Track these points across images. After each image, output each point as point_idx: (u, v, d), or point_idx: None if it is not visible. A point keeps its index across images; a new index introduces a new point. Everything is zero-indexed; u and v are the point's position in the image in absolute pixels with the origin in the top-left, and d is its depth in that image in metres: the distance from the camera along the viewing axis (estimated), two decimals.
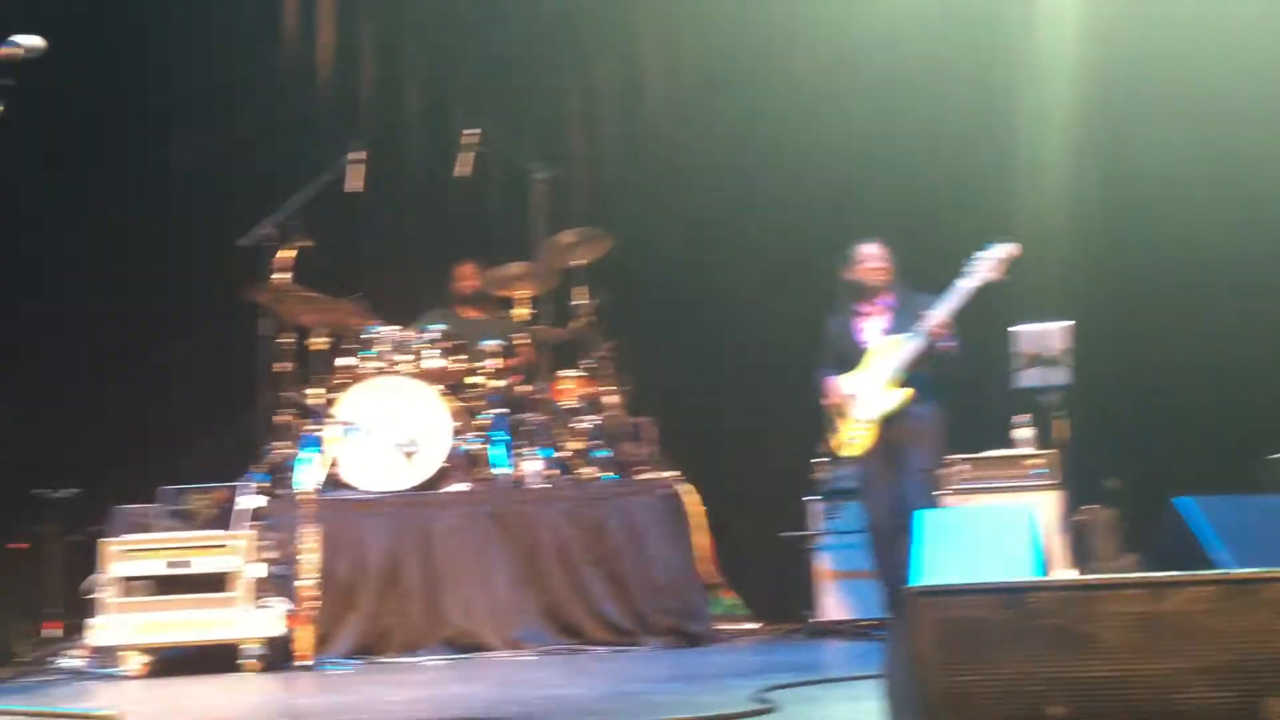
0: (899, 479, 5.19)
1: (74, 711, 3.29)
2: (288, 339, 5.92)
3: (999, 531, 4.62)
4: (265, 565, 4.93)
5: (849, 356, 5.35)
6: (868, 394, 5.26)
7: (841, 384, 5.32)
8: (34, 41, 3.29)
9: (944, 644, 2.09)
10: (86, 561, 5.03)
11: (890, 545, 5.07)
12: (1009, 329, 5.80)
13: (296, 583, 4.92)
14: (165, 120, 6.86)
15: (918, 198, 6.72)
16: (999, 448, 5.77)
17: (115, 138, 6.82)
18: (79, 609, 5.18)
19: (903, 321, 5.30)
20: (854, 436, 5.27)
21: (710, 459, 6.42)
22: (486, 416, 5.93)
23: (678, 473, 5.99)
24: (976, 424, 5.56)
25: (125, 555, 4.84)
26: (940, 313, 5.12)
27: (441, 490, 5.73)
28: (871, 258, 5.40)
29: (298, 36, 7.37)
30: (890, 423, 5.22)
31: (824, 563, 5.86)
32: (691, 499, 5.89)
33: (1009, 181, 6.69)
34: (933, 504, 5.12)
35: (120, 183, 6.82)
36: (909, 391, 5.20)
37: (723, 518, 6.08)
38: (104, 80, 6.35)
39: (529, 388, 6.14)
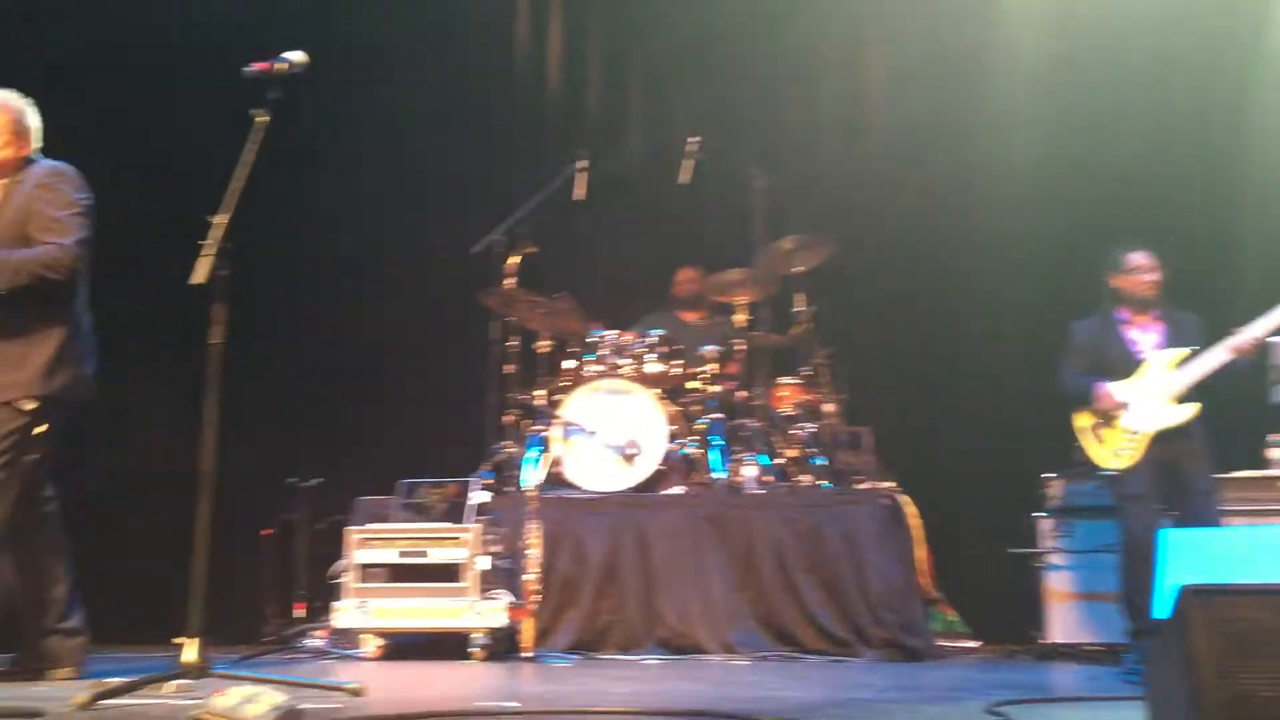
0: (1182, 499, 4.94)
1: (322, 683, 3.49)
2: (515, 342, 6.16)
3: (1256, 554, 4.33)
4: (491, 559, 5.11)
5: (1115, 365, 5.10)
6: (1145, 405, 5.02)
7: (1116, 391, 5.14)
8: (299, 57, 3.55)
9: (1222, 647, 2.01)
10: (331, 548, 5.35)
11: (1147, 564, 4.82)
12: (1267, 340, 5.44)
13: (520, 577, 5.09)
14: (403, 127, 7.21)
15: (1140, 204, 6.42)
16: (1248, 468, 5.43)
17: (356, 144, 7.22)
18: (324, 592, 5.52)
19: (1178, 335, 5.08)
20: (1123, 448, 5.03)
21: (929, 471, 6.29)
22: (704, 421, 5.99)
23: (895, 483, 5.91)
24: (1226, 442, 5.23)
25: (366, 544, 5.11)
26: (1255, 331, 4.88)
27: (659, 492, 5.83)
28: (1144, 267, 5.17)
29: (526, 47, 7.66)
30: (1167, 438, 4.95)
31: (1054, 582, 5.64)
32: (910, 511, 5.79)
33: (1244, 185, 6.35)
34: (1219, 526, 4.87)
35: (366, 186, 7.23)
36: (1197, 407, 4.96)
37: (942, 532, 5.95)
38: (346, 88, 6.70)
39: (746, 393, 6.16)
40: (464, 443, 6.19)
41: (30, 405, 3.86)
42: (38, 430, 3.87)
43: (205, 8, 6.68)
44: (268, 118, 3.44)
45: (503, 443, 6.00)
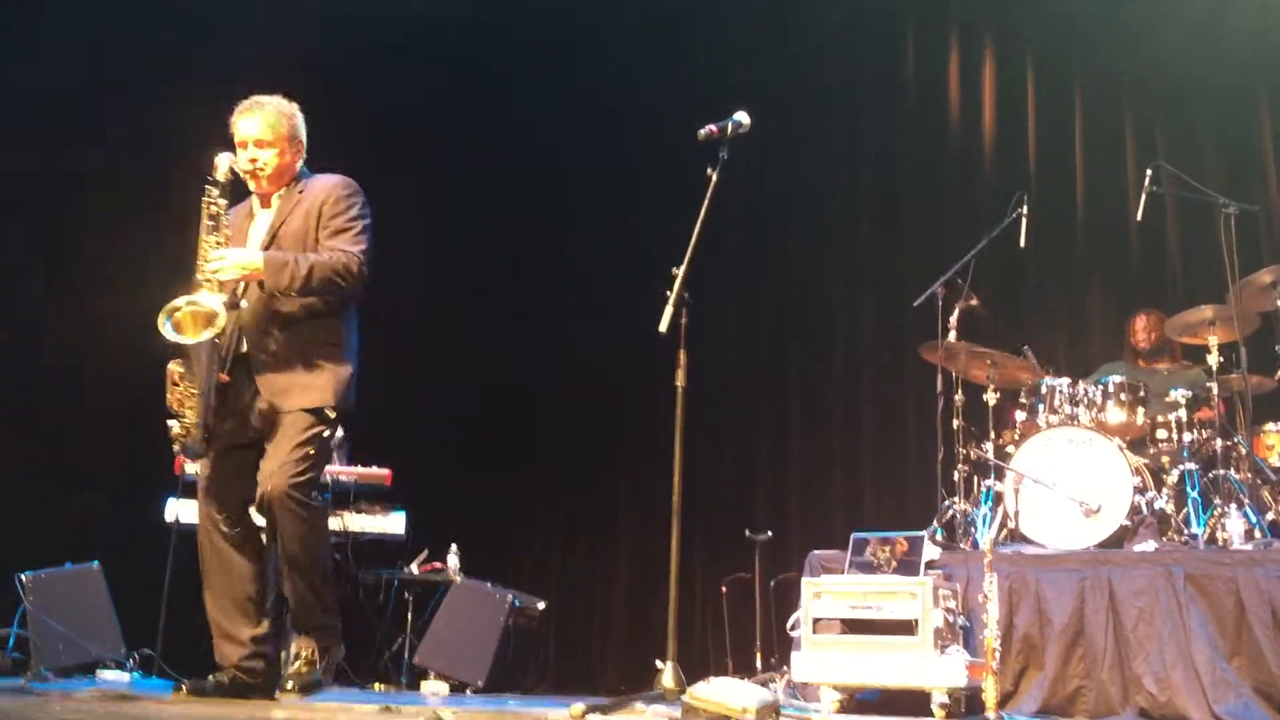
0: None
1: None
2: (961, 395, 6.02)
3: None
4: (945, 615, 4.96)
5: None
6: None
7: None
8: (745, 119, 3.74)
9: None
10: (785, 600, 5.43)
11: None
12: None
13: (977, 635, 4.89)
14: (839, 178, 7.33)
15: None
16: None
17: (795, 197, 7.45)
18: (782, 645, 5.61)
19: None
20: None
21: None
22: (1175, 472, 5.51)
23: None
24: None
25: (820, 596, 5.14)
26: None
27: (1128, 549, 5.41)
28: None
29: (959, 92, 7.56)
30: None
31: None
32: None
33: None
34: None
35: (805, 243, 7.43)
36: None
37: None
38: (787, 143, 6.97)
39: (1226, 442, 5.60)
40: (913, 497, 6.10)
41: (332, 414, 3.87)
42: (326, 435, 3.88)
43: (662, 82, 7.22)
44: (718, 176, 3.63)
45: (953, 498, 5.84)
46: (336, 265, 3.81)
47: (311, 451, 3.79)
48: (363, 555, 6.10)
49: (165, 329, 3.66)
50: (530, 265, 8.14)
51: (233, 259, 3.76)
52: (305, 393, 3.82)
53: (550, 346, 7.99)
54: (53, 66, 6.65)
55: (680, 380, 3.46)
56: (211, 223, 3.81)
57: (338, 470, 6.10)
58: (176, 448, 3.85)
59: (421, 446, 7.28)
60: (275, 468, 3.73)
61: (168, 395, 3.77)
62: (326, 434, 3.88)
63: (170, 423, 3.78)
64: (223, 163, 3.83)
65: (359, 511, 5.98)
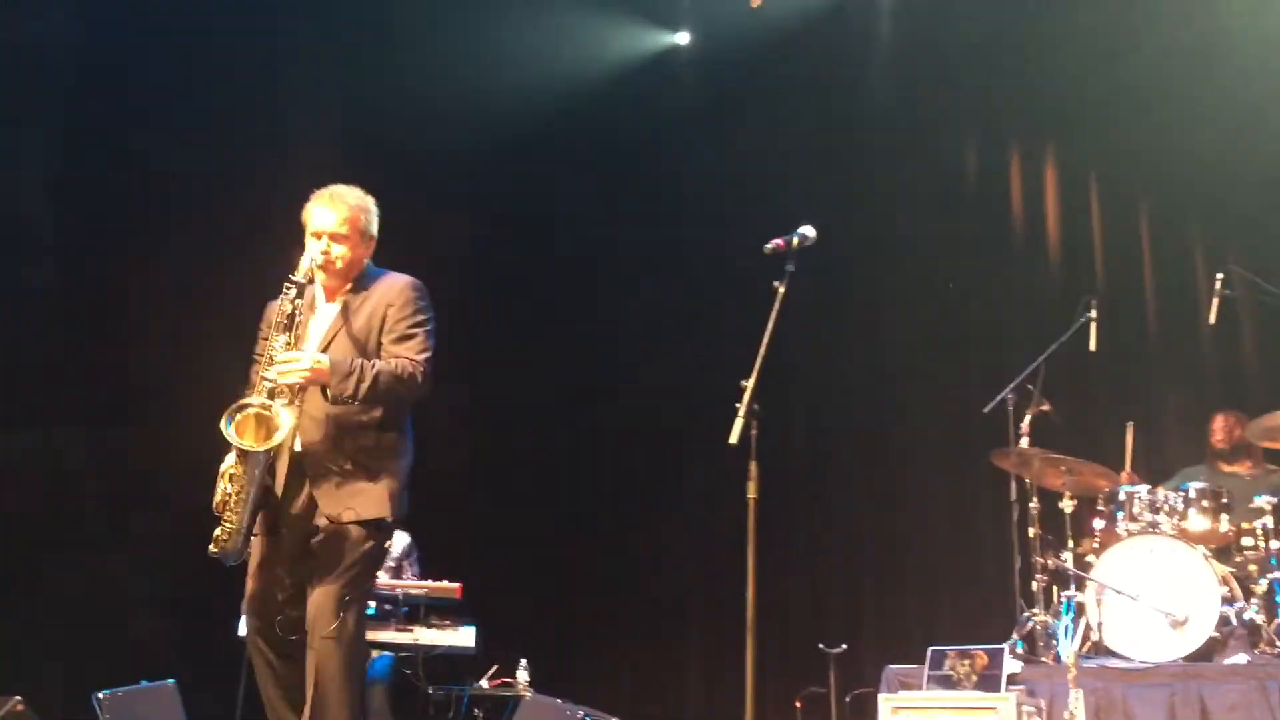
0: None
1: None
2: (1037, 503, 5.90)
3: None
4: None
5: None
6: None
7: None
8: (811, 232, 3.79)
9: None
10: (861, 715, 5.30)
11: None
12: None
13: None
14: (907, 287, 7.36)
15: None
16: None
17: (859, 305, 7.48)
18: None
19: None
20: None
21: None
22: (1263, 581, 5.33)
23: None
24: None
25: (899, 712, 5.01)
26: None
27: (1218, 661, 5.21)
28: None
29: (1023, 197, 7.59)
30: None
31: None
32: None
33: None
34: None
35: (872, 353, 7.44)
36: None
37: None
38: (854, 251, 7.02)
39: None
40: (990, 609, 5.96)
41: (390, 523, 3.80)
42: (376, 551, 3.79)
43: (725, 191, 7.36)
44: (785, 289, 3.68)
45: (1033, 609, 5.69)
46: (401, 374, 3.72)
47: (360, 573, 3.70)
48: (433, 670, 6.06)
49: (227, 430, 3.57)
50: (598, 380, 8.22)
51: (301, 364, 3.64)
52: (364, 504, 3.71)
53: (619, 463, 8.01)
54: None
55: (752, 492, 3.45)
56: (285, 321, 3.71)
57: (408, 585, 6.11)
58: (213, 549, 3.68)
59: (491, 561, 7.29)
60: (324, 599, 3.63)
61: (215, 496, 3.67)
62: (380, 548, 3.80)
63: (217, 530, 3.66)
64: (305, 262, 3.76)
65: (429, 626, 5.96)
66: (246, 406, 3.62)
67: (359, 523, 3.70)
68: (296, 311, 3.73)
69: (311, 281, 3.80)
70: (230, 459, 3.66)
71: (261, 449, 3.60)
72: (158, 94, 7.01)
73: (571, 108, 7.97)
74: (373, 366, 3.71)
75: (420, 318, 3.86)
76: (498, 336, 7.92)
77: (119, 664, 5.76)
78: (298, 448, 3.74)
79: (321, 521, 3.71)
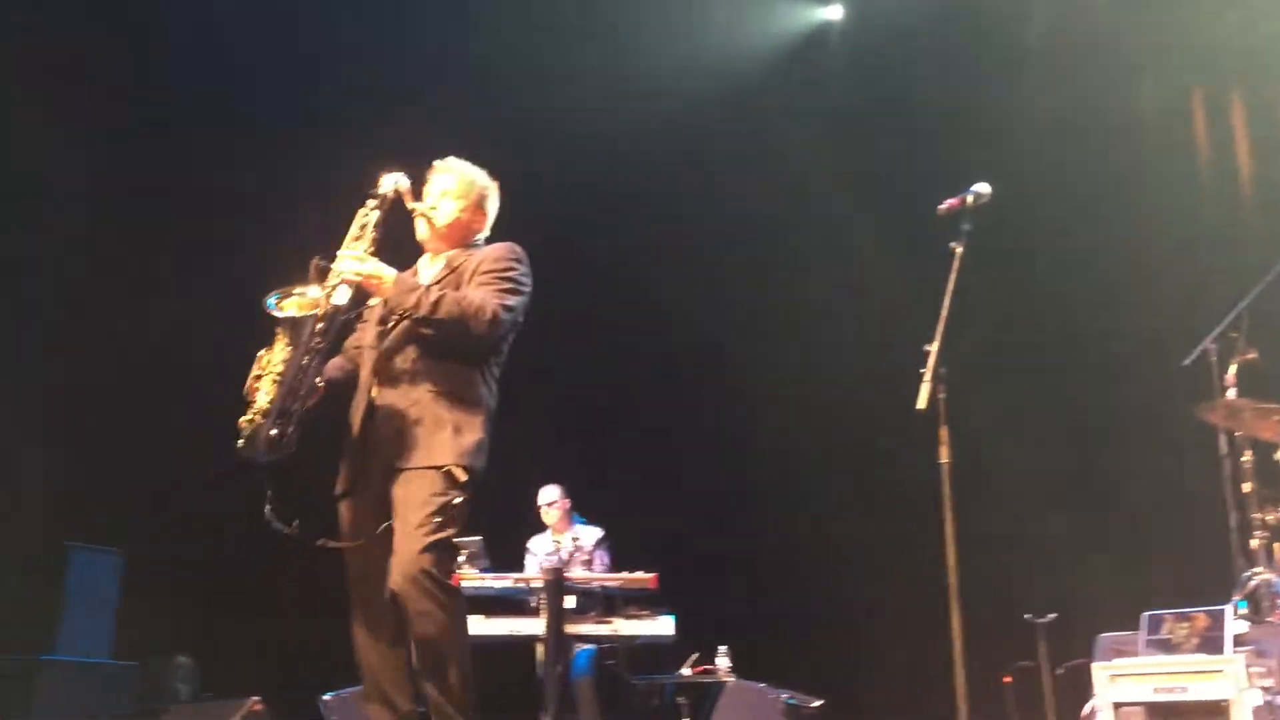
0: None
1: None
2: (1249, 457, 5.58)
3: None
4: (1260, 693, 4.56)
5: None
6: None
7: None
8: (985, 189, 3.70)
9: None
10: (1075, 690, 5.13)
11: None
12: None
13: None
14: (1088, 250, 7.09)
15: None
16: None
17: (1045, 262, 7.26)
18: None
19: None
20: None
21: None
22: None
23: None
24: None
25: (1116, 681, 4.83)
26: None
27: None
28: None
29: (1210, 136, 7.21)
30: None
31: None
32: None
33: None
34: None
35: (1066, 310, 7.19)
36: None
37: None
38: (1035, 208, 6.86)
39: None
40: (1205, 569, 5.67)
41: (463, 476, 3.52)
42: (458, 501, 3.50)
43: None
44: (962, 248, 3.60)
45: (1255, 567, 5.39)
46: (469, 306, 3.50)
47: (442, 520, 3.42)
48: (635, 660, 6.16)
49: (270, 301, 3.35)
50: (777, 350, 8.24)
51: (363, 261, 3.48)
52: (439, 451, 3.50)
53: (807, 443, 7.98)
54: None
55: (944, 457, 3.39)
56: (358, 231, 3.55)
57: (604, 577, 6.22)
58: (240, 444, 3.35)
59: (684, 549, 7.36)
60: (403, 552, 3.39)
61: (246, 383, 3.40)
62: (458, 500, 3.49)
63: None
64: (388, 181, 3.60)
65: (628, 617, 6.06)
66: (289, 293, 3.39)
67: (434, 468, 3.48)
68: (372, 225, 3.56)
69: (395, 202, 3.62)
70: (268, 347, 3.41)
71: (307, 314, 3.34)
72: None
73: (723, 86, 8.06)
74: (440, 291, 3.53)
75: (510, 273, 3.67)
76: (685, 333, 8.00)
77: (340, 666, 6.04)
78: (373, 394, 3.60)
79: (398, 468, 3.52)
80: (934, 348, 3.42)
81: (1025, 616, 6.03)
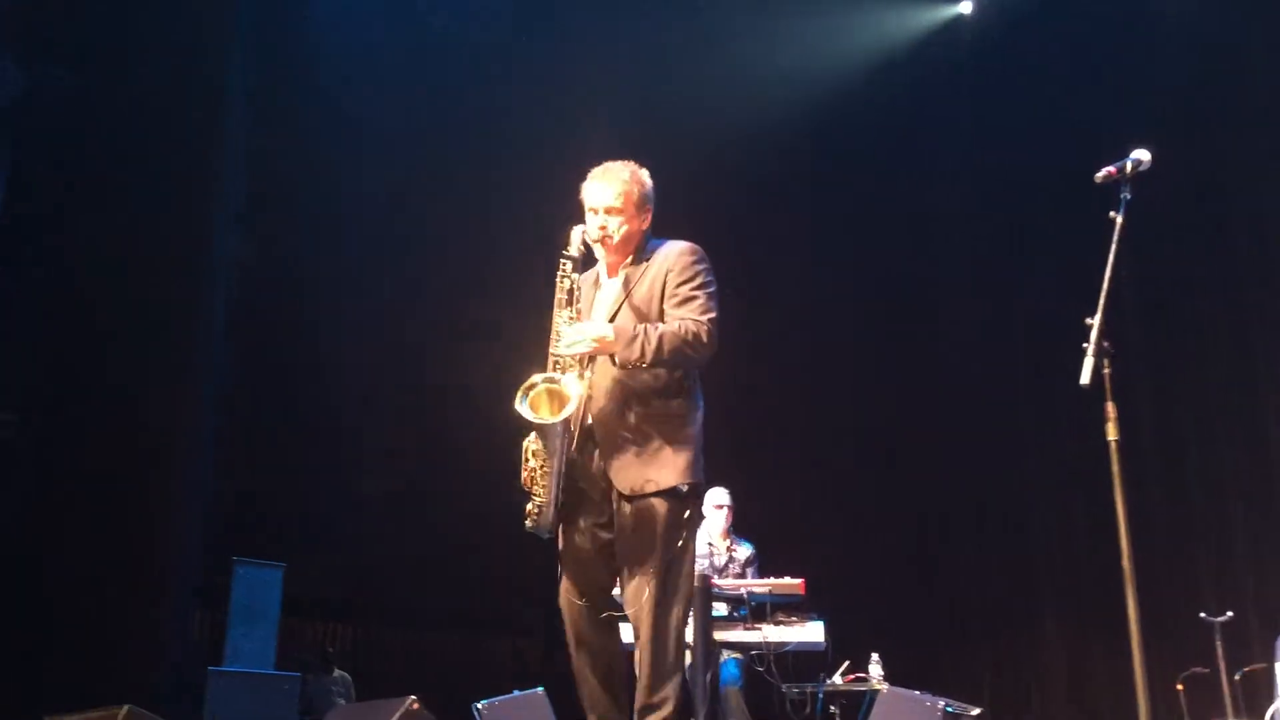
0: None
1: None
2: None
3: None
4: None
5: None
6: None
7: None
8: (1145, 155, 3.52)
9: None
10: (1252, 696, 4.84)
11: None
12: None
13: None
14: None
15: None
16: None
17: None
18: None
19: None
20: None
21: None
22: None
23: None
24: None
25: None
26: None
27: None
28: None
29: None
30: None
31: None
32: None
33: None
34: None
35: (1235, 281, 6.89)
36: None
37: None
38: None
39: None
40: None
41: (687, 490, 3.71)
42: (687, 516, 3.71)
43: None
44: (1123, 218, 3.43)
45: None
46: (686, 335, 3.68)
47: (672, 542, 3.66)
48: (785, 668, 6.03)
49: (521, 407, 3.63)
50: (922, 337, 8.09)
51: (587, 334, 3.69)
52: (661, 473, 3.68)
53: (955, 441, 7.79)
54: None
55: (1112, 434, 3.21)
56: (565, 297, 3.76)
57: (751, 584, 6.12)
58: (529, 524, 3.75)
59: (833, 555, 7.23)
60: (641, 576, 3.63)
61: (522, 473, 3.75)
62: (687, 514, 3.71)
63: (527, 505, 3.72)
64: (575, 236, 3.80)
65: (777, 624, 5.94)
66: (535, 385, 3.69)
67: (660, 493, 3.67)
68: (575, 286, 3.78)
69: (585, 253, 3.84)
70: (531, 437, 3.74)
71: (556, 420, 3.63)
72: None
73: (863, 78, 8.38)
74: (656, 329, 3.70)
75: (701, 280, 3.81)
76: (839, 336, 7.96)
77: (492, 675, 6.10)
78: (588, 421, 3.76)
79: (622, 494, 3.71)
80: (1096, 320, 3.26)
81: (1200, 615, 5.71)
